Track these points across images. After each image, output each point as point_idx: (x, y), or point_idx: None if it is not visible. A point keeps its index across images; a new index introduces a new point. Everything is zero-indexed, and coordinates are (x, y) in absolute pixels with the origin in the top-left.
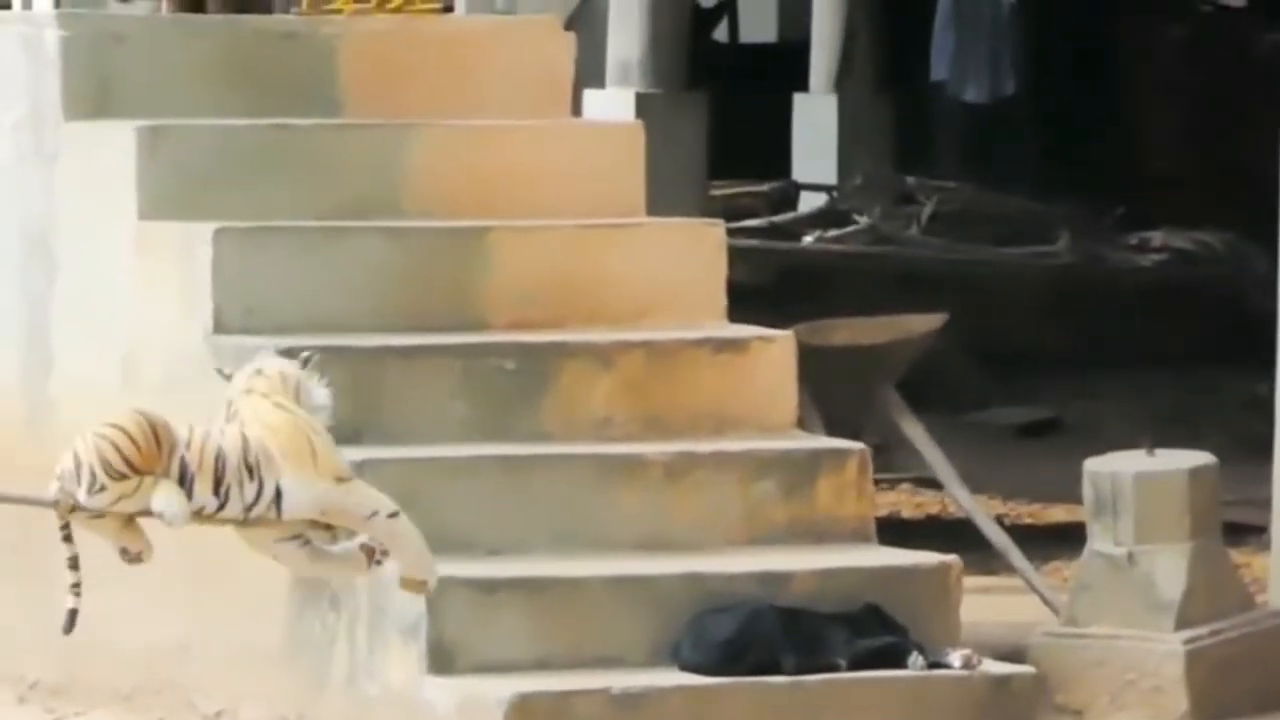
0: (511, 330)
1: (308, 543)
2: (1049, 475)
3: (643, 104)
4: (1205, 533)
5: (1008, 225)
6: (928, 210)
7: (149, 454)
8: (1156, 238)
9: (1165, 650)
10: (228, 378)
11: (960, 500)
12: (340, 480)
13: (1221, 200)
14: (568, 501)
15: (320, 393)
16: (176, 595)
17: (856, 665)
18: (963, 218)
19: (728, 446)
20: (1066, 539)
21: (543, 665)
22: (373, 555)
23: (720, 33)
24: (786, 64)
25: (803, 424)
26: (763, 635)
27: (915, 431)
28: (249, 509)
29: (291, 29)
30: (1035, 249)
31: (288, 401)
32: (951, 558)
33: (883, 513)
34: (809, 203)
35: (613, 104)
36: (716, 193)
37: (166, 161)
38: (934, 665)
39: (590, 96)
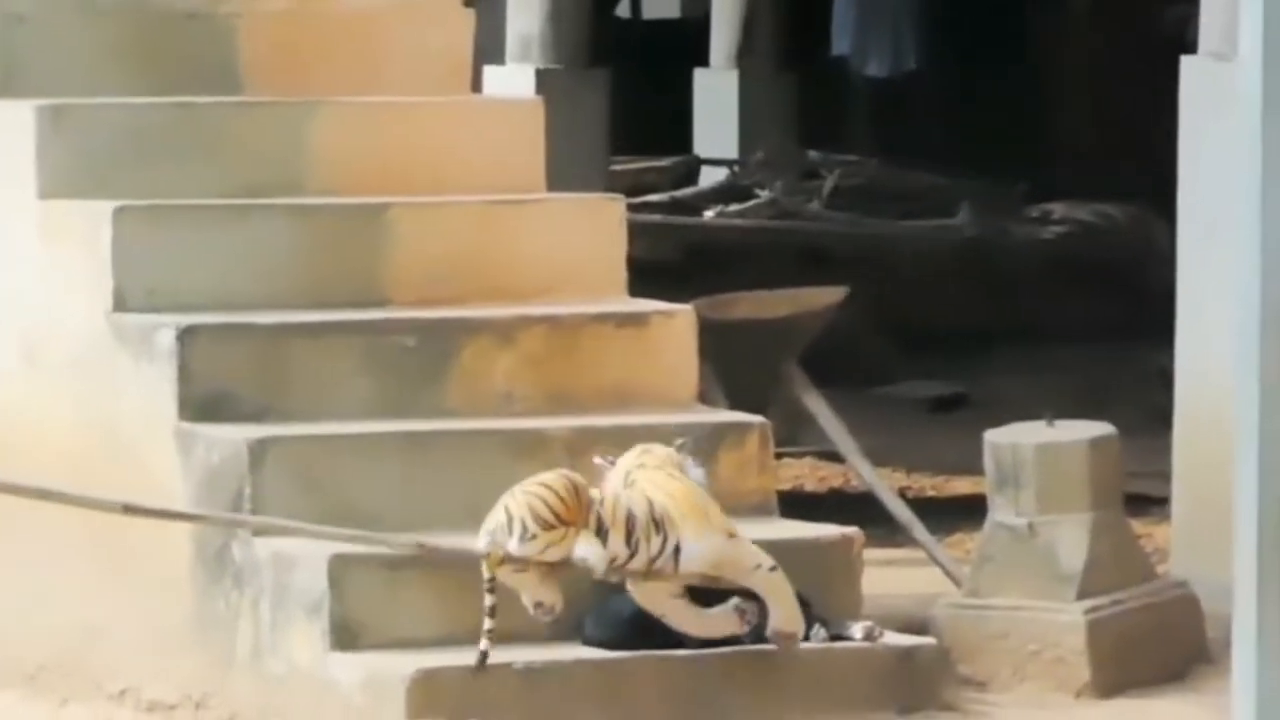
0: (414, 307)
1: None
2: (955, 448)
3: (544, 80)
4: (1106, 503)
5: (910, 199)
6: (829, 184)
7: (573, 509)
8: (1058, 210)
9: (1067, 621)
10: (611, 464)
11: (862, 473)
12: (731, 536)
13: (1123, 172)
14: (471, 478)
15: (696, 472)
16: (81, 577)
17: (759, 639)
18: (865, 192)
19: (630, 421)
20: (970, 511)
21: (447, 641)
22: (744, 616)
23: (622, 8)
24: (688, 39)
25: (705, 398)
26: None
27: (817, 405)
28: (653, 560)
29: (193, 8)
30: (937, 222)
31: (677, 472)
32: (853, 530)
33: (787, 486)
34: (711, 178)
35: (514, 80)
36: (619, 168)
37: (67, 140)
38: (835, 638)
39: (491, 73)
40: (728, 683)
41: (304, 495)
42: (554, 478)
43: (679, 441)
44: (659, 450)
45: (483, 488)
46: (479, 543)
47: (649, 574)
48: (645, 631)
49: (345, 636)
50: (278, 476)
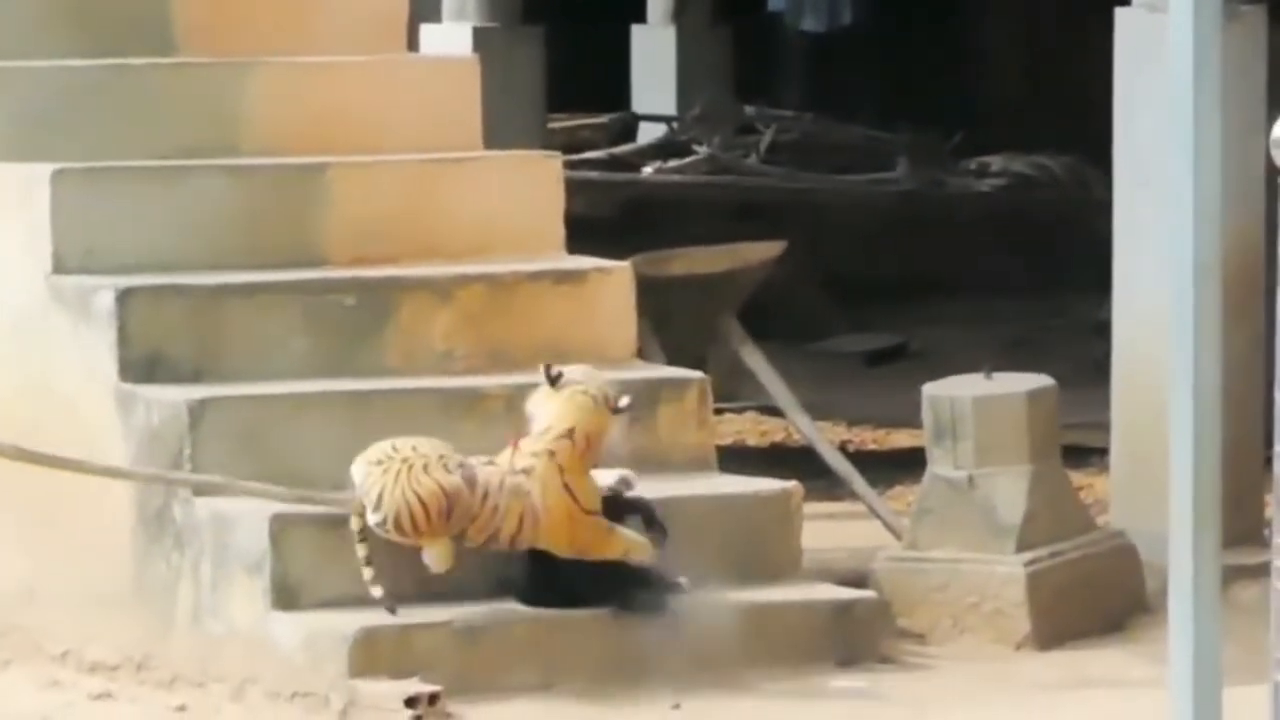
0: (351, 266)
1: None
2: (894, 401)
3: (480, 38)
4: (1045, 455)
5: (847, 153)
6: (767, 139)
7: (436, 526)
8: (996, 163)
9: (1006, 573)
10: (553, 380)
11: (800, 427)
12: (580, 552)
13: (1060, 124)
14: (410, 435)
15: (619, 442)
16: (20, 538)
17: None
18: (802, 146)
19: None
20: (911, 464)
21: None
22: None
23: None
24: None
25: (643, 354)
26: (605, 572)
27: (755, 360)
28: (493, 545)
29: None
30: (874, 176)
31: (578, 480)
32: (792, 484)
33: (727, 441)
34: (648, 134)
35: (450, 38)
36: (556, 125)
37: (3, 104)
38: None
39: (427, 31)
40: (665, 638)
41: (244, 455)
42: (432, 493)
43: (625, 402)
44: (584, 430)
45: None
46: (354, 468)
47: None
48: (574, 592)
49: (286, 596)
50: (217, 436)
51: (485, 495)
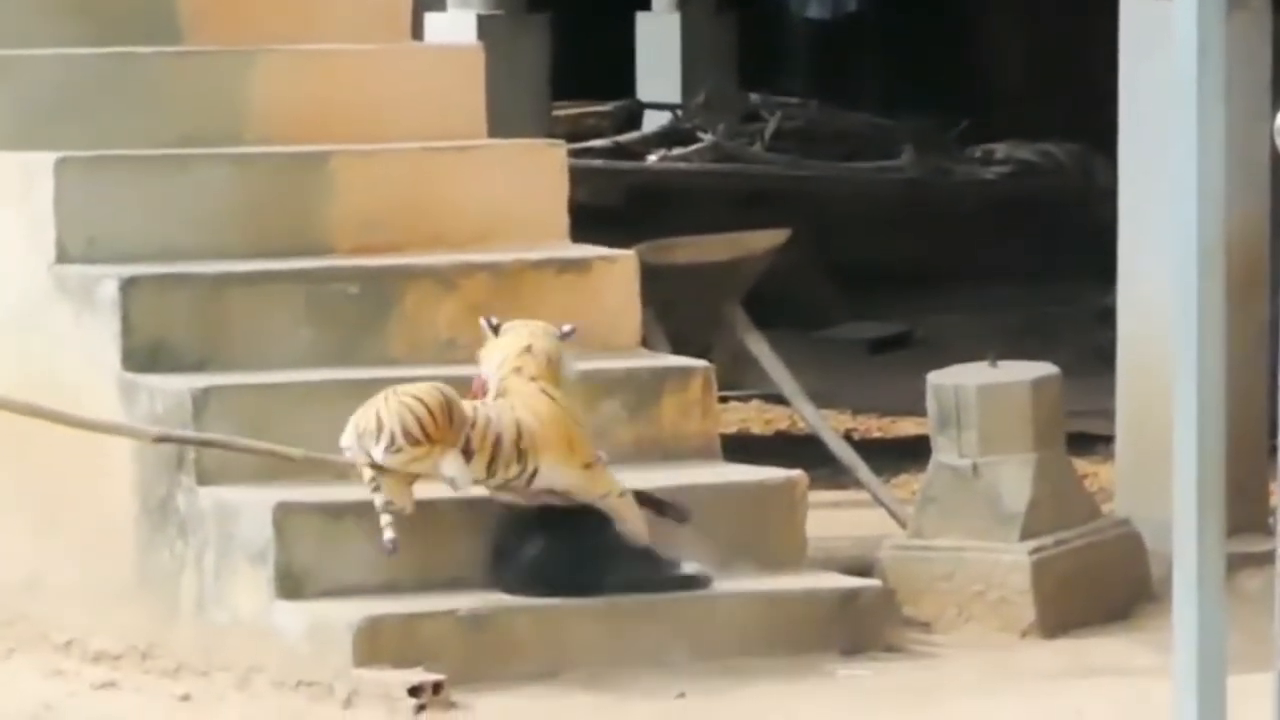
0: (355, 255)
1: None
2: (899, 389)
3: (485, 26)
4: (1049, 443)
5: (851, 141)
6: (771, 127)
7: (443, 428)
8: (1000, 150)
9: (1011, 561)
10: (495, 329)
11: (805, 415)
12: (587, 466)
13: (1065, 112)
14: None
15: (573, 366)
16: (24, 527)
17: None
18: (807, 134)
19: None
20: (916, 452)
21: (391, 589)
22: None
23: None
24: None
25: (647, 343)
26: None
27: (760, 348)
28: (508, 481)
29: None
30: (879, 164)
31: (552, 387)
32: (796, 473)
33: (732, 430)
34: (653, 122)
35: (455, 26)
36: (561, 113)
37: (5, 92)
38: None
39: (432, 20)
40: (670, 627)
41: None
42: (429, 391)
43: (567, 328)
44: (540, 348)
45: None
46: (345, 437)
47: (501, 488)
48: (556, 577)
49: (290, 585)
50: (221, 425)
51: (474, 409)
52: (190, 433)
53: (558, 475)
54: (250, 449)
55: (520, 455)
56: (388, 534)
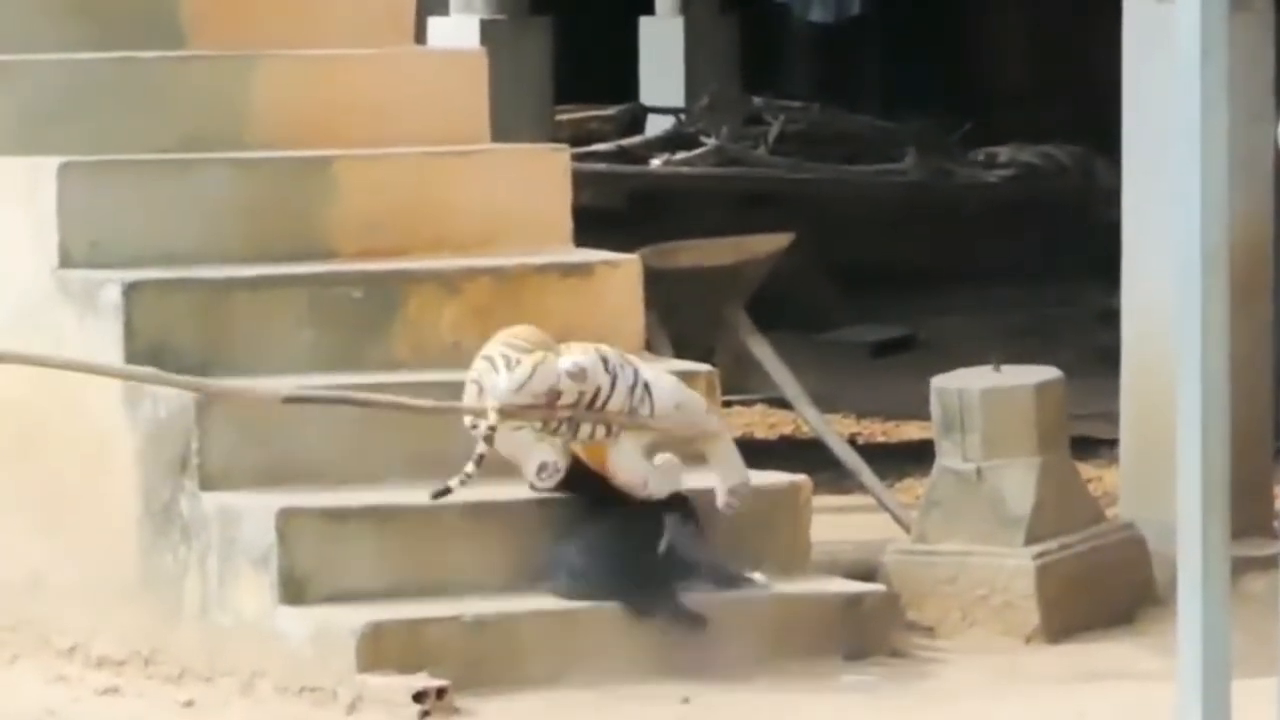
0: (358, 259)
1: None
2: (903, 393)
3: (487, 30)
4: (1053, 447)
5: (855, 144)
6: (775, 130)
7: (541, 340)
8: (1003, 153)
9: (1015, 565)
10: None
11: (808, 419)
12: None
13: (1068, 113)
14: (418, 429)
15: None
16: (27, 531)
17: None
18: (810, 137)
19: None
20: (920, 456)
21: (395, 594)
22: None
23: None
24: None
25: (651, 347)
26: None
27: (763, 352)
28: (630, 395)
29: None
30: (882, 167)
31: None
32: (801, 477)
33: (737, 434)
34: (656, 126)
35: (458, 31)
36: (564, 118)
37: (8, 96)
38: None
39: (435, 24)
40: (675, 632)
41: (251, 448)
42: (514, 328)
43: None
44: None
45: (430, 439)
46: (465, 398)
47: (630, 422)
48: (605, 579)
49: (293, 590)
50: (225, 430)
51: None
52: (322, 391)
53: (665, 383)
54: (381, 404)
55: (625, 360)
56: (454, 481)
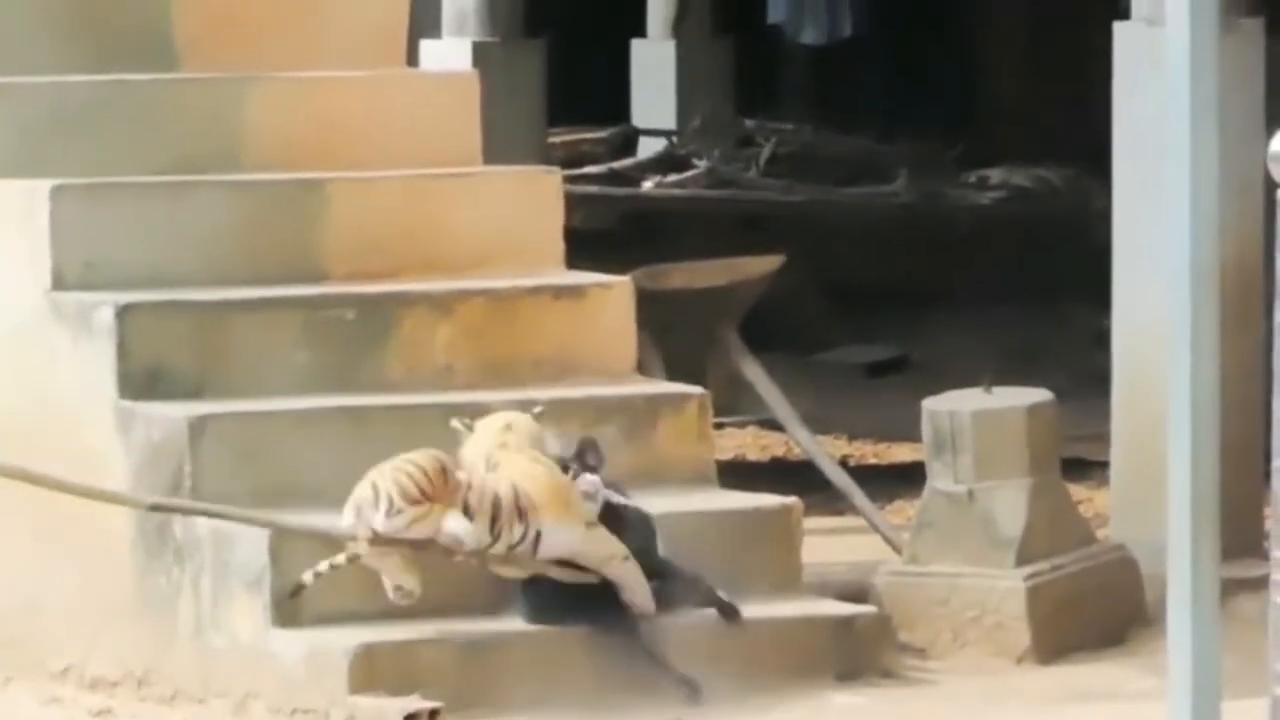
0: (352, 281)
1: None
2: (895, 414)
3: (480, 53)
4: (1044, 469)
5: (847, 165)
6: (767, 152)
7: (440, 489)
8: (995, 175)
9: (1006, 587)
10: (468, 428)
11: (799, 440)
12: (589, 526)
13: (1062, 135)
14: (412, 450)
15: (555, 443)
16: (20, 552)
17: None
18: (802, 159)
19: (568, 393)
20: (911, 478)
21: (387, 616)
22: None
23: None
24: (624, 9)
25: (643, 368)
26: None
27: (755, 373)
28: (513, 547)
29: None
30: (875, 189)
31: (538, 454)
32: (792, 499)
33: (729, 455)
34: (648, 148)
35: (450, 54)
36: (556, 140)
37: (3, 118)
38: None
39: (427, 46)
40: (670, 656)
41: (244, 471)
42: (423, 457)
43: (537, 409)
44: (521, 425)
45: None
46: (345, 518)
47: (507, 559)
48: (575, 607)
49: (286, 611)
50: (218, 453)
51: (469, 475)
52: (185, 502)
53: (561, 536)
54: (247, 519)
55: (521, 515)
56: (308, 575)
